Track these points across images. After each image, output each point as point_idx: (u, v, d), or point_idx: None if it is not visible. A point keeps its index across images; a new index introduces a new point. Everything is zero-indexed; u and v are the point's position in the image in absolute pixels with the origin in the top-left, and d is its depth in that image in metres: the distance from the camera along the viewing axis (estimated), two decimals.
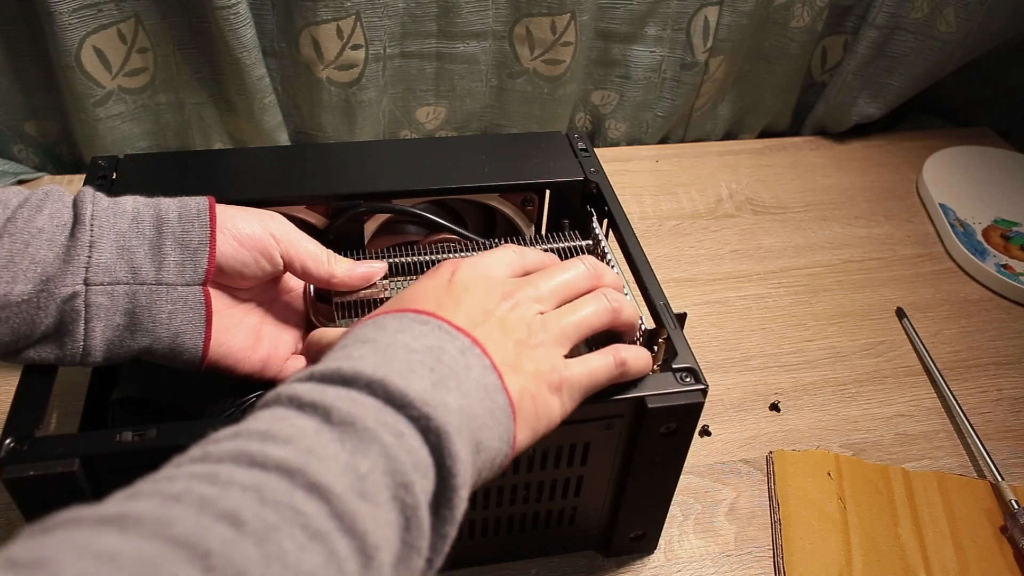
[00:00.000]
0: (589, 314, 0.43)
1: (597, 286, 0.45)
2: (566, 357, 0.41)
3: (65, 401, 0.60)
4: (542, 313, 0.41)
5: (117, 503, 0.26)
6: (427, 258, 0.55)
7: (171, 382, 0.52)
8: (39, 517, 0.41)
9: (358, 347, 0.35)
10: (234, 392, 0.50)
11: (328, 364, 0.34)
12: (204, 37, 0.81)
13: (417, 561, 0.30)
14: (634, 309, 0.46)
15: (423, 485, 0.31)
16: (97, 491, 0.41)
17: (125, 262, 0.43)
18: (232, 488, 0.26)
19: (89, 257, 0.42)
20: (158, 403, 0.51)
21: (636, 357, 0.44)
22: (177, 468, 0.28)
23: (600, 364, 0.42)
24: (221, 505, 0.26)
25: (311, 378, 0.33)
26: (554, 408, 0.40)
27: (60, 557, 0.22)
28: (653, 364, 0.47)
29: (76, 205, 0.44)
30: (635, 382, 0.46)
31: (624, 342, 0.46)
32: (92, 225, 0.43)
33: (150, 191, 0.53)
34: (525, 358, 0.39)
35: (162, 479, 0.27)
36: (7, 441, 0.40)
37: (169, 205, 0.46)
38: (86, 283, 0.42)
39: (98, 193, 0.45)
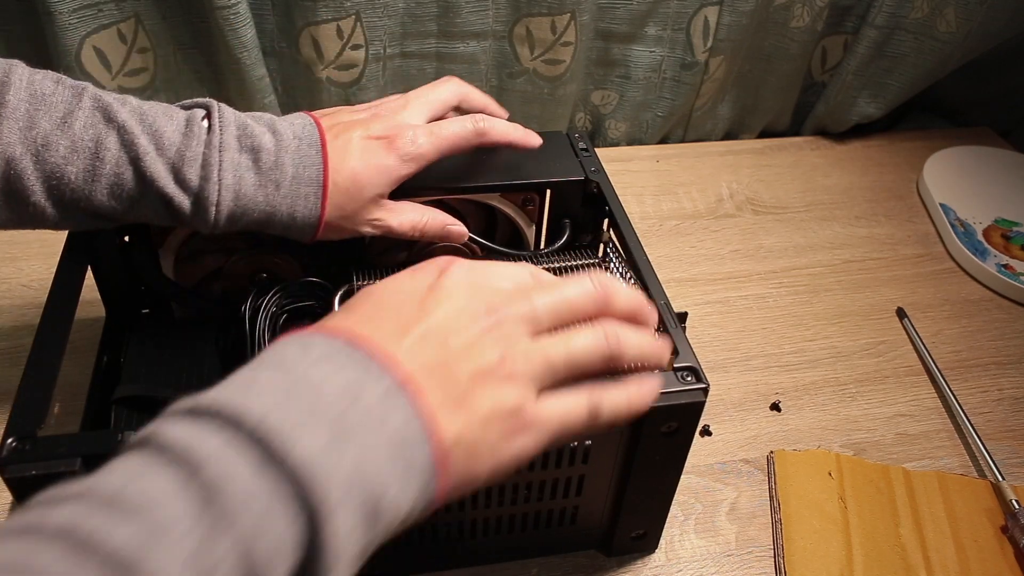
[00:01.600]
0: (579, 351, 0.36)
1: (603, 312, 0.38)
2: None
3: (67, 401, 0.60)
4: (535, 334, 0.36)
5: None
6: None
7: (172, 382, 0.52)
8: None
9: (265, 373, 0.32)
10: None
11: (220, 393, 0.31)
12: (204, 37, 0.81)
13: None
14: (645, 347, 0.39)
15: (285, 568, 0.28)
16: None
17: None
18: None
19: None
20: (159, 402, 0.51)
21: (614, 402, 0.37)
22: (4, 533, 0.26)
23: (572, 407, 0.36)
24: None
25: (193, 414, 0.30)
26: (504, 451, 0.34)
27: None
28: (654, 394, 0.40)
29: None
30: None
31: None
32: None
33: None
34: (482, 393, 0.34)
35: None
36: (9, 441, 0.40)
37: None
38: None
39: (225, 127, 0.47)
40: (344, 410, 0.30)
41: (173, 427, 0.29)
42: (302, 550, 0.28)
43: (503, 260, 0.56)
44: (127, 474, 0.28)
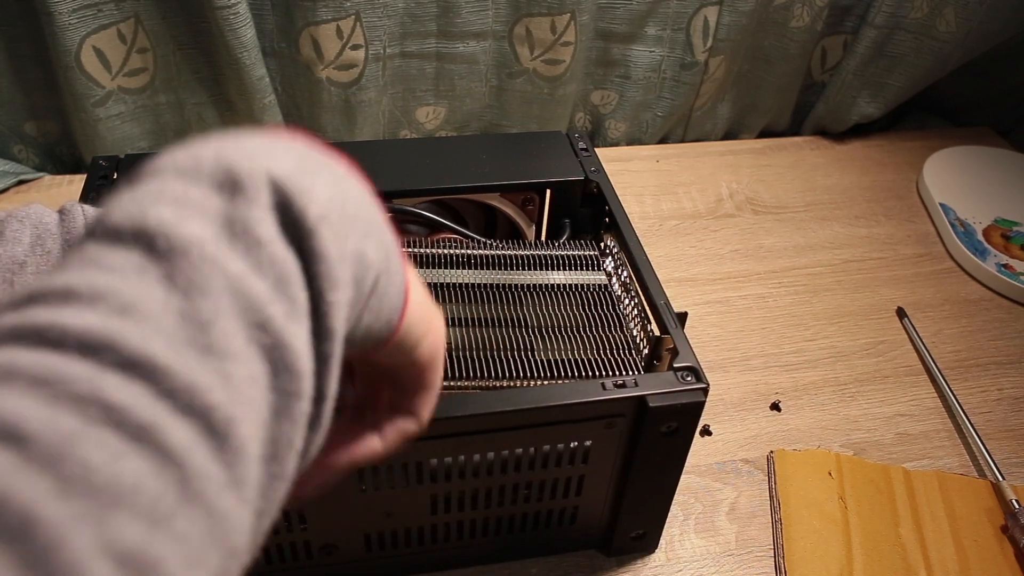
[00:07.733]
0: None
1: None
2: None
3: None
4: None
5: None
6: (430, 252, 0.55)
7: None
8: None
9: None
10: None
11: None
12: (204, 37, 0.81)
13: (300, 405, 0.24)
14: None
15: (286, 308, 0.24)
16: None
17: None
18: (13, 386, 0.19)
19: None
20: None
21: None
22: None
23: None
24: None
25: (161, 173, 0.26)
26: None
27: None
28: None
29: None
30: (636, 382, 0.46)
31: None
32: None
33: None
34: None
35: None
36: None
37: None
38: None
39: None
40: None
41: (115, 213, 0.24)
42: (302, 277, 0.25)
43: (501, 258, 0.57)
44: (76, 267, 0.23)
